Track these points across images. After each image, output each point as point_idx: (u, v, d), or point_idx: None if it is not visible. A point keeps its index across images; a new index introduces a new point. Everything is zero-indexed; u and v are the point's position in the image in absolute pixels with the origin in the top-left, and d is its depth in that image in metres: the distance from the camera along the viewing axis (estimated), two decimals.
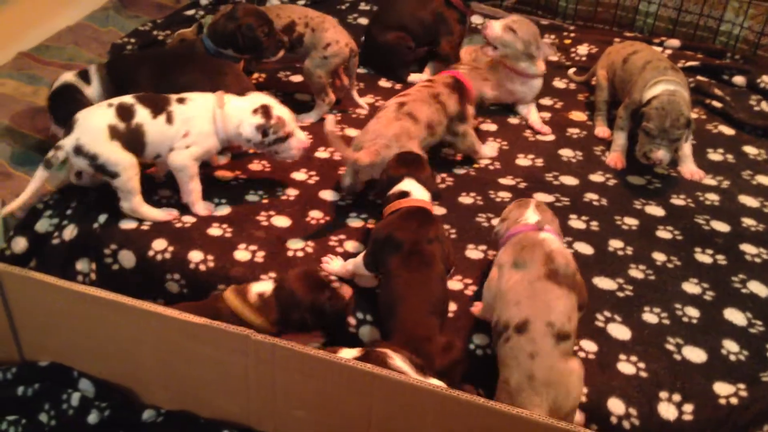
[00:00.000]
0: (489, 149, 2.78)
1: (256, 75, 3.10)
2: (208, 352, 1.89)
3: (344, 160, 2.48)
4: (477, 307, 2.13)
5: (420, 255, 2.05)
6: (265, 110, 2.32)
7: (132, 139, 2.25)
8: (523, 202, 2.14)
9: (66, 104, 2.46)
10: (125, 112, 2.26)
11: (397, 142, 2.41)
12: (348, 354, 1.82)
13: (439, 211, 2.45)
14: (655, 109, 2.52)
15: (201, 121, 2.31)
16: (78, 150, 2.22)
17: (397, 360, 1.78)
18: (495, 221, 2.40)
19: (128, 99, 2.30)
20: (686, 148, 2.72)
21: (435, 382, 1.76)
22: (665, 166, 2.67)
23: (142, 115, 2.27)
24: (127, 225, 2.32)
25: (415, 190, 2.20)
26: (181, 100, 2.33)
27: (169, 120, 2.28)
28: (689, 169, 2.70)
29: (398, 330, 1.96)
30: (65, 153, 2.22)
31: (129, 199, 2.29)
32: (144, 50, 2.59)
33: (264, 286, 2.01)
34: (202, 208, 2.39)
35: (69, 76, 2.54)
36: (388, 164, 2.29)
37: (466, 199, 2.54)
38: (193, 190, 2.36)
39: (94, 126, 2.23)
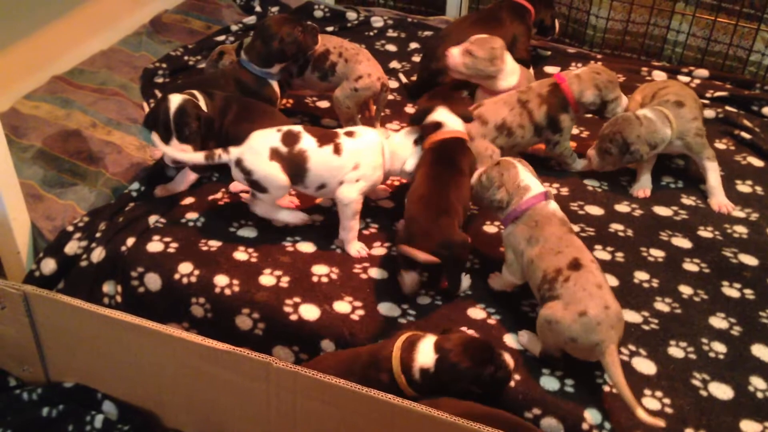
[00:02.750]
0: (581, 163, 2.81)
1: (284, 101, 3.13)
2: (229, 378, 1.90)
3: None
4: (493, 279, 2.28)
5: (449, 159, 2.28)
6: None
7: (293, 163, 2.32)
8: (505, 163, 2.22)
9: (192, 119, 2.43)
10: (290, 138, 2.34)
11: None
12: None
13: None
14: (612, 118, 2.64)
15: (373, 154, 2.38)
16: (238, 162, 2.33)
17: None
18: None
19: (297, 127, 2.39)
20: (713, 179, 2.69)
21: None
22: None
23: (308, 142, 2.34)
24: (155, 248, 2.36)
25: (448, 120, 2.37)
26: (349, 134, 2.39)
27: (337, 151, 2.34)
28: (717, 201, 2.67)
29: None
30: (228, 159, 2.33)
31: (265, 207, 2.40)
32: (231, 94, 2.65)
33: (427, 357, 1.88)
34: (355, 249, 2.40)
35: (180, 95, 2.48)
36: (420, 100, 2.47)
37: (490, 228, 2.54)
38: (352, 227, 2.39)
39: (258, 146, 2.33)
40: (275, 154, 2.32)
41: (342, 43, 2.92)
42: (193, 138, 2.45)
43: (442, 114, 2.38)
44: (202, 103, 2.53)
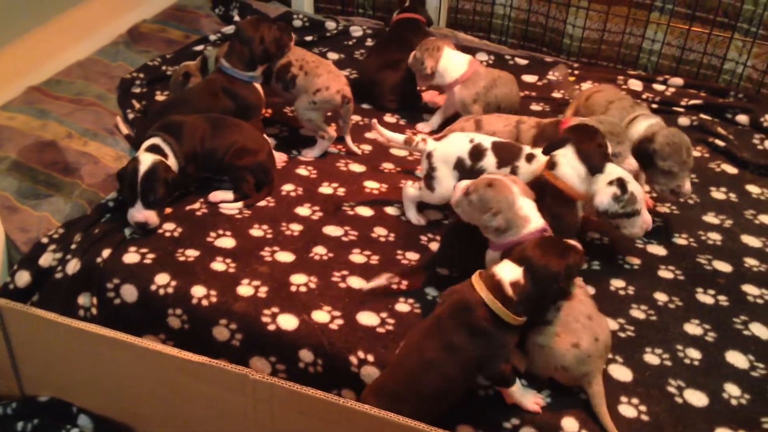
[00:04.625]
0: None
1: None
2: (206, 390, 1.90)
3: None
4: None
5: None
6: (621, 183, 2.28)
7: (468, 175, 2.36)
8: (499, 185, 2.08)
9: (159, 185, 2.41)
10: (477, 154, 2.42)
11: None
12: None
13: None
14: (668, 146, 2.49)
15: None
16: (429, 155, 2.45)
17: None
18: None
19: (486, 142, 2.42)
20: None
21: None
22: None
23: (489, 162, 2.40)
24: (131, 259, 2.34)
25: (566, 169, 2.23)
26: (529, 158, 2.38)
27: (513, 172, 2.37)
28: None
29: None
30: (425, 148, 2.47)
31: (410, 207, 2.57)
32: (195, 113, 2.66)
33: (513, 272, 1.89)
34: None
35: (149, 156, 2.44)
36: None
37: None
38: None
39: (451, 149, 2.43)
40: (458, 164, 2.42)
41: (304, 55, 2.92)
42: (158, 204, 2.44)
43: (566, 156, 2.25)
44: (171, 156, 2.50)
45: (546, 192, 2.24)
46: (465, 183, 2.15)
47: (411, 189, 2.55)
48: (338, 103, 2.86)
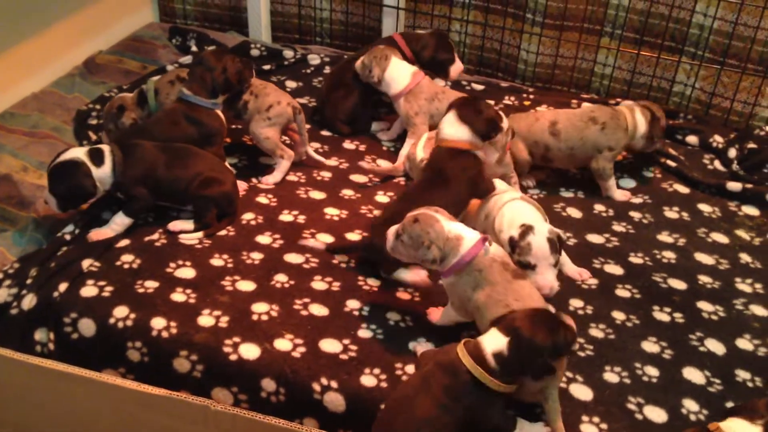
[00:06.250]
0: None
1: None
2: (168, 423, 1.88)
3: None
4: (435, 315, 2.28)
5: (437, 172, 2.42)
6: (525, 230, 2.27)
7: None
8: (425, 218, 2.08)
9: (67, 180, 2.44)
10: None
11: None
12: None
13: None
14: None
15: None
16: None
17: None
18: None
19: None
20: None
21: None
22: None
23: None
24: (88, 292, 2.31)
25: (449, 128, 2.47)
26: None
27: None
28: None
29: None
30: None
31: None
32: (155, 141, 2.64)
33: (496, 342, 1.87)
34: None
35: (79, 153, 2.48)
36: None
37: None
38: None
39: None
40: None
41: (251, 81, 2.98)
42: (59, 196, 2.47)
43: (447, 121, 2.49)
44: (107, 167, 2.50)
45: (445, 157, 2.44)
46: (394, 228, 2.14)
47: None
48: (291, 115, 2.92)
